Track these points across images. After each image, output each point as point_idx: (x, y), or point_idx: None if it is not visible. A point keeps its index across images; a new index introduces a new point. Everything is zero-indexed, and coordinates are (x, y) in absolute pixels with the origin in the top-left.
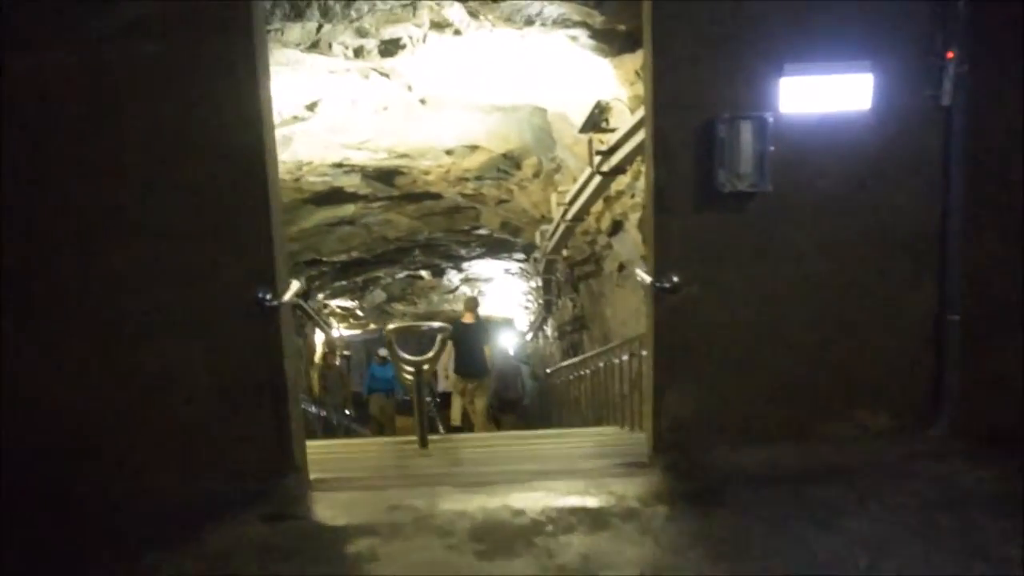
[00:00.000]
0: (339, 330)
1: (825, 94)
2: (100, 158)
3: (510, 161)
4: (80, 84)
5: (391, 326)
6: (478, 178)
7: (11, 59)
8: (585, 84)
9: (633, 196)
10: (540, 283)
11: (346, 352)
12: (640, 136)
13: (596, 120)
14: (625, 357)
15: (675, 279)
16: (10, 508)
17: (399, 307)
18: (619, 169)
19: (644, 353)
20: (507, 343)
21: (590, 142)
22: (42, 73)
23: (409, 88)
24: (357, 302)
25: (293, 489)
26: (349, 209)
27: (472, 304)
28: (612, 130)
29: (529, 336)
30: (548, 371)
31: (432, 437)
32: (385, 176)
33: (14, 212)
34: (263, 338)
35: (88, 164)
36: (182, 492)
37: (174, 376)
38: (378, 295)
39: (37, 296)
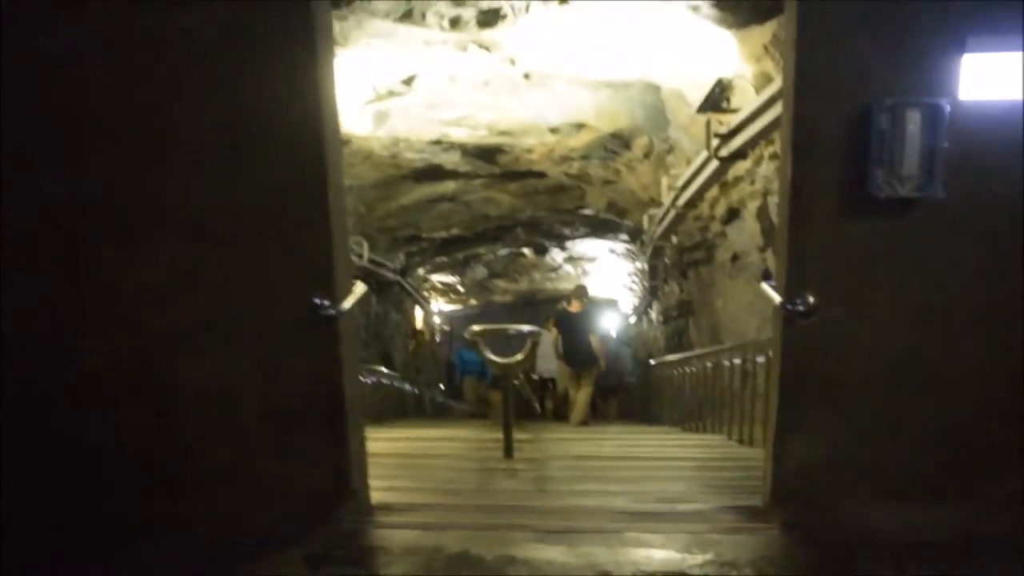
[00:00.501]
0: (438, 305)
1: (1021, 76)
2: (143, 144)
3: (619, 141)
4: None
5: (475, 328)
6: (584, 157)
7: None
8: (704, 59)
9: (752, 183)
10: (646, 268)
11: (446, 328)
12: (766, 118)
13: (716, 99)
14: (737, 361)
15: (811, 300)
16: (21, 539)
17: (501, 283)
18: (739, 154)
19: (760, 360)
20: (610, 325)
21: (708, 123)
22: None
23: (512, 62)
24: (458, 278)
25: (348, 521)
26: (449, 186)
27: (580, 292)
28: (734, 111)
29: (633, 319)
30: (652, 361)
31: (519, 437)
32: (486, 154)
33: (49, 202)
34: (319, 350)
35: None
36: (221, 524)
37: (218, 393)
38: (479, 271)
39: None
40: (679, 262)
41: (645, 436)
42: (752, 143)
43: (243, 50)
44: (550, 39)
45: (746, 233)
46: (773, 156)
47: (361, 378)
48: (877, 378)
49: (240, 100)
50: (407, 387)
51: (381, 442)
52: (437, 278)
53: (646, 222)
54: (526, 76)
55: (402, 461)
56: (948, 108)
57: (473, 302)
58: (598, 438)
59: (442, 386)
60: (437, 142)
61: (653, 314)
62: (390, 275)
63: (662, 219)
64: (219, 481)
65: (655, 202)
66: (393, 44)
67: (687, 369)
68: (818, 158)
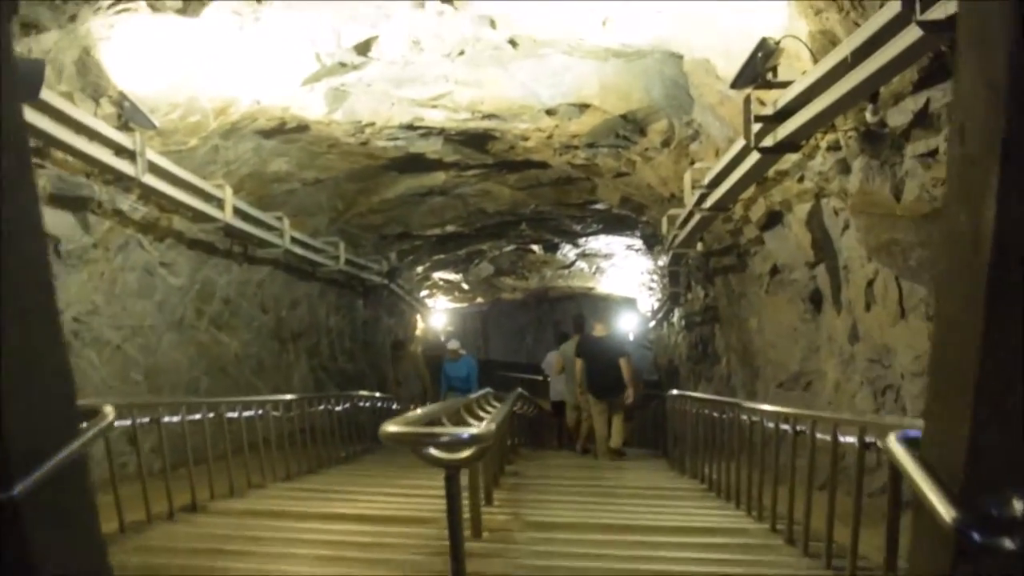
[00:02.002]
0: (442, 302)
1: None
2: None
3: (631, 125)
4: None
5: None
6: (590, 146)
7: None
8: (740, 15)
9: (801, 180)
10: (666, 273)
11: (450, 329)
12: (832, 94)
13: (757, 69)
14: (786, 426)
15: None
16: None
17: (508, 281)
18: (790, 145)
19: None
20: (628, 326)
21: (747, 101)
22: None
23: (491, 24)
24: (461, 275)
25: None
26: (439, 178)
27: (602, 315)
28: (782, 84)
29: (652, 323)
30: (675, 392)
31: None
32: (474, 141)
33: None
34: None
35: None
36: None
37: None
38: (484, 268)
39: None
40: (704, 266)
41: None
42: (809, 130)
43: None
44: None
45: (790, 242)
46: (834, 147)
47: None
48: None
49: None
50: (395, 406)
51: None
52: (439, 275)
53: (665, 225)
54: (512, 43)
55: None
56: None
57: (480, 300)
58: (591, 509)
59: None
60: (410, 127)
61: (675, 317)
62: (375, 278)
63: (684, 221)
64: None
65: (676, 199)
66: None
67: (722, 415)
68: None
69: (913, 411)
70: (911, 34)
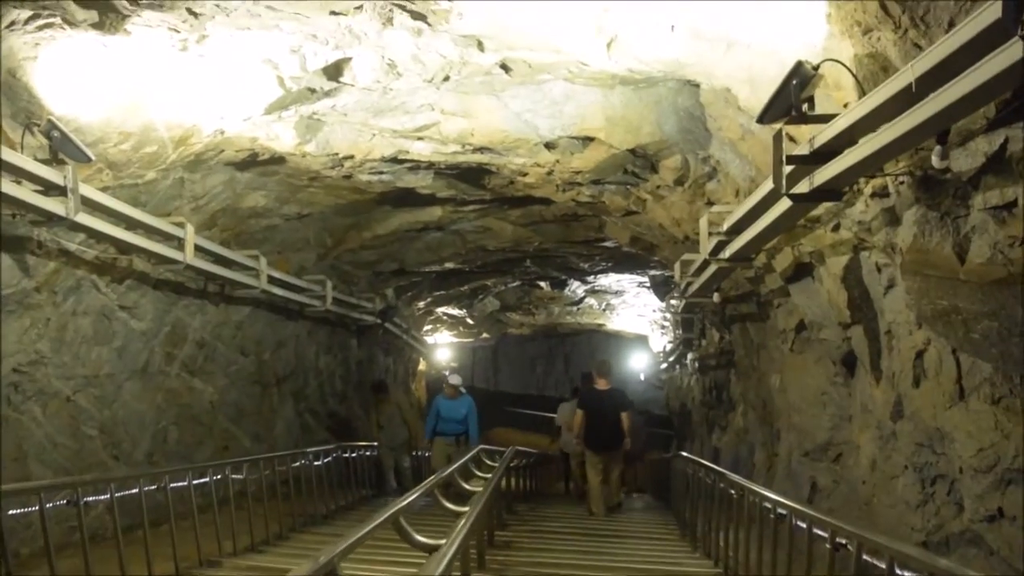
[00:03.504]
0: (445, 337)
1: None
2: None
3: (641, 160)
4: None
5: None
6: (595, 182)
7: None
8: (769, 36)
9: (836, 228)
10: (679, 320)
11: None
12: (890, 134)
13: (790, 100)
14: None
15: None
16: None
17: (515, 317)
18: (829, 191)
19: None
20: (638, 365)
21: (777, 138)
22: None
23: (479, 45)
24: (465, 311)
25: None
26: (434, 213)
27: (605, 369)
28: (822, 118)
29: (664, 365)
30: (685, 454)
31: None
32: (469, 175)
33: None
34: None
35: None
36: None
37: None
38: (490, 303)
39: None
40: (720, 311)
41: None
42: (855, 174)
43: None
44: (532, 16)
45: (821, 298)
46: (880, 193)
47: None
48: None
49: None
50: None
51: None
52: (442, 310)
53: (678, 271)
54: (504, 67)
55: None
56: None
57: (486, 335)
58: None
59: (406, 461)
60: (395, 160)
61: (688, 359)
62: (367, 318)
63: (699, 270)
64: None
65: (691, 241)
66: (281, 23)
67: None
68: None
69: (973, 513)
70: (1013, 52)
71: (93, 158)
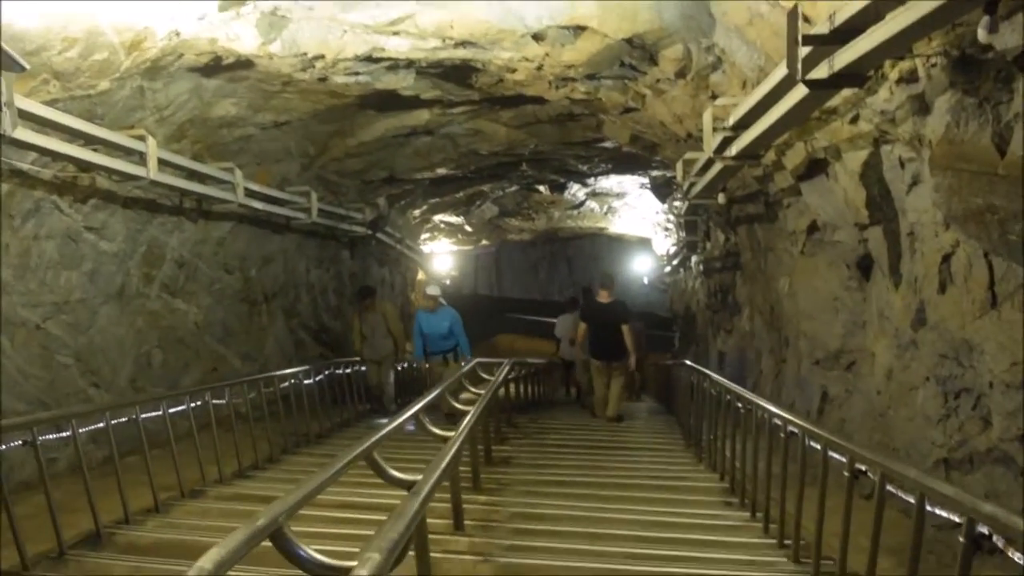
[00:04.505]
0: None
1: None
2: None
3: (639, 51)
4: None
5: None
6: (590, 77)
7: None
8: None
9: (855, 120)
10: (682, 222)
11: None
12: (927, 4)
13: None
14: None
15: None
16: None
17: (514, 222)
18: (852, 75)
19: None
20: (641, 268)
21: (792, 15)
22: None
23: None
24: (463, 218)
25: None
26: (422, 116)
27: (608, 281)
28: None
29: (668, 268)
30: (689, 362)
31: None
32: (454, 74)
33: None
34: None
35: None
36: None
37: None
38: (488, 209)
39: None
40: (726, 212)
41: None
42: (884, 53)
43: None
44: None
45: (836, 197)
46: (908, 78)
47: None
48: None
49: None
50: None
51: None
52: (439, 218)
53: (680, 171)
54: None
55: None
56: None
57: (485, 242)
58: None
59: (396, 367)
60: (370, 59)
61: (692, 262)
62: (358, 229)
63: (703, 170)
64: None
65: (694, 139)
66: None
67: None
68: None
69: (1003, 431)
70: None
71: (28, 67)
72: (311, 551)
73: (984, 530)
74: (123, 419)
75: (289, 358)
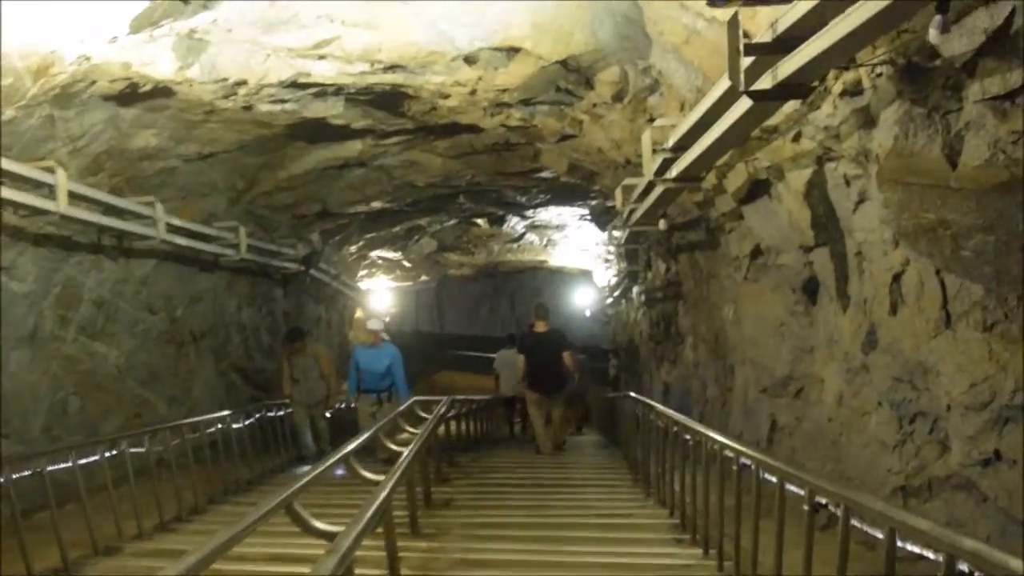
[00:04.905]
0: (373, 284)
1: None
2: None
3: (575, 75)
4: None
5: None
6: (525, 102)
7: None
8: None
9: (797, 138)
10: (623, 252)
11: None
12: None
13: None
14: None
15: None
16: None
17: (454, 257)
18: (797, 86)
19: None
20: (585, 302)
21: (733, 24)
22: None
23: None
24: (401, 253)
25: None
26: (354, 147)
27: (543, 312)
28: None
29: (610, 299)
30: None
31: None
32: (385, 101)
33: None
34: None
35: None
36: None
37: None
38: (427, 244)
39: None
40: (666, 240)
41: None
42: (831, 60)
43: None
44: None
45: (780, 219)
46: (852, 91)
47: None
48: None
49: None
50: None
51: None
52: (377, 254)
53: (619, 198)
54: None
55: None
56: None
57: (425, 277)
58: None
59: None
60: (295, 84)
61: (634, 293)
62: (291, 265)
63: (643, 195)
64: None
65: (633, 165)
66: None
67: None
68: None
69: (963, 456)
70: None
71: None
72: None
73: (964, 567)
74: (26, 472)
75: (220, 401)
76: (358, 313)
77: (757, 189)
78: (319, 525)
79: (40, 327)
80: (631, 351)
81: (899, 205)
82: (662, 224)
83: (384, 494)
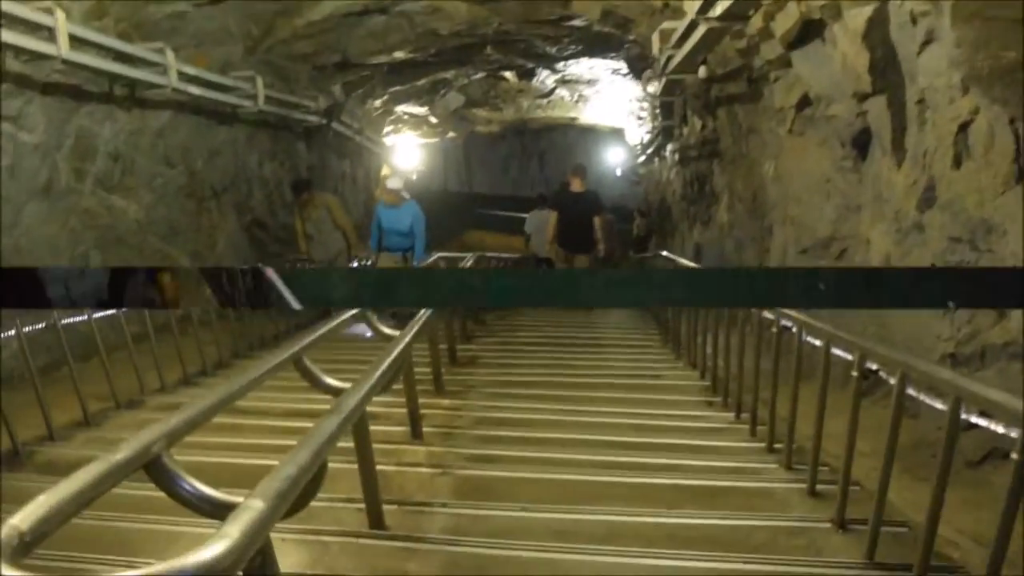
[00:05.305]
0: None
1: None
2: None
3: None
4: None
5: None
6: None
7: None
8: None
9: None
10: (658, 104)
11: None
12: None
13: None
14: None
15: None
16: None
17: (481, 113)
18: None
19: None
20: (614, 160)
21: None
22: None
23: None
24: (427, 108)
25: None
26: None
27: (580, 170)
28: None
29: (642, 157)
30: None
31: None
32: None
33: None
34: None
35: None
36: None
37: None
38: (453, 99)
39: None
40: (704, 94)
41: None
42: None
43: None
44: None
45: (834, 65)
46: None
47: None
48: None
49: None
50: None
51: None
52: (402, 108)
53: (656, 43)
54: None
55: None
56: None
57: (452, 134)
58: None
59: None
60: None
61: (668, 151)
62: (312, 118)
63: (683, 38)
64: None
65: (671, 10)
66: None
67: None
68: None
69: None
70: None
71: None
72: (195, 483)
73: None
74: (39, 325)
75: (244, 257)
76: (384, 170)
77: (809, 31)
78: (328, 380)
79: (55, 180)
80: (663, 211)
81: (974, 44)
82: (702, 71)
83: (398, 350)
